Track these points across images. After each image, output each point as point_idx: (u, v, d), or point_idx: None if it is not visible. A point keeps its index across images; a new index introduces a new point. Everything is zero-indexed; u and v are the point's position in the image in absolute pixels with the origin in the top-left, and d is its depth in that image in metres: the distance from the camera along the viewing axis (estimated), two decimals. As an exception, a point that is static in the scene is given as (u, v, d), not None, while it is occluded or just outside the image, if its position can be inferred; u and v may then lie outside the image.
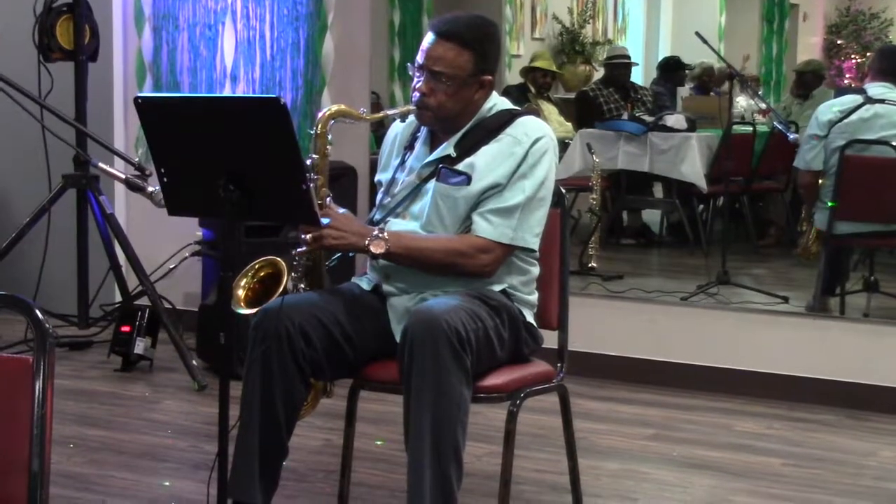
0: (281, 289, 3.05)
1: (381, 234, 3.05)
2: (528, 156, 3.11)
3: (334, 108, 3.14)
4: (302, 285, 3.15)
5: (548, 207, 3.17)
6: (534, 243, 3.14)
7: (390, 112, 3.25)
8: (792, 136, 6.25)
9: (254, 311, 3.05)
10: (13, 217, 5.94)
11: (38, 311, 1.94)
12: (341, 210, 3.09)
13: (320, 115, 3.11)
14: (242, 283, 3.11)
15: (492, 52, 3.17)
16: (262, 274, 3.15)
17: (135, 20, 5.88)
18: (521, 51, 8.96)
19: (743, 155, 6.94)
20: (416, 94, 3.13)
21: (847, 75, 9.57)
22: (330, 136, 3.11)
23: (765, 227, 7.51)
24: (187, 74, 5.82)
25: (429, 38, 3.13)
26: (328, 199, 3.07)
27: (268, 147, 2.78)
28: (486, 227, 3.09)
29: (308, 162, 2.99)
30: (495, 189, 3.10)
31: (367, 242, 3.04)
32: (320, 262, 3.19)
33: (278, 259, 3.17)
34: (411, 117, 3.25)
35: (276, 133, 2.74)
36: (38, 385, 1.90)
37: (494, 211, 3.09)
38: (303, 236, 3.05)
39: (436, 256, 3.09)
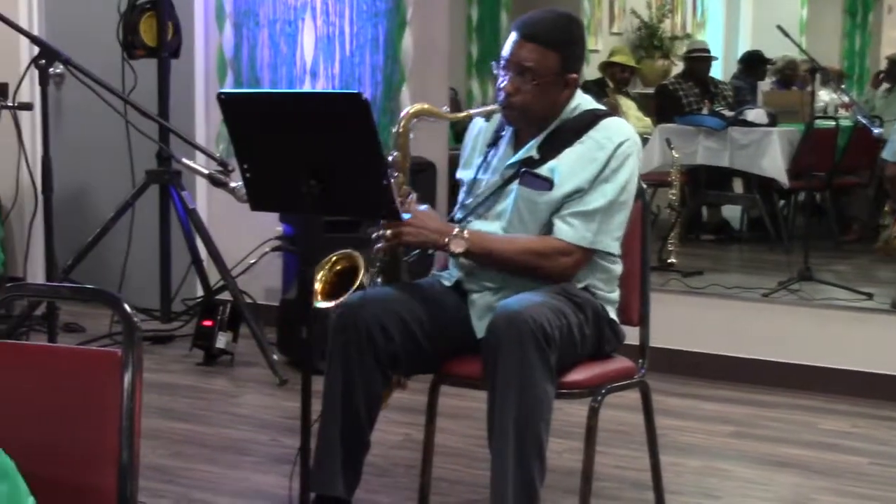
0: (357, 283, 3.07)
1: (461, 234, 3.05)
2: (611, 160, 3.08)
3: (417, 106, 3.15)
4: (379, 279, 3.15)
5: (629, 211, 3.14)
6: (614, 247, 3.12)
7: (474, 111, 3.24)
8: (877, 131, 6.16)
9: (330, 304, 3.06)
10: (98, 212, 6.02)
11: (126, 306, 1.96)
12: (423, 207, 3.09)
13: (403, 113, 3.12)
14: (319, 276, 3.13)
15: (577, 53, 3.15)
16: (338, 267, 3.16)
17: (216, 17, 5.93)
18: (600, 46, 8.92)
19: (825, 150, 6.85)
20: (502, 94, 3.12)
21: (933, 69, 9.39)
22: (412, 135, 3.11)
23: (848, 223, 7.41)
24: (267, 70, 5.86)
25: (513, 38, 3.11)
26: (410, 196, 3.07)
27: (349, 142, 2.78)
28: (567, 230, 3.07)
29: (389, 159, 3.00)
30: (577, 194, 3.08)
31: (446, 241, 3.04)
32: (399, 258, 3.19)
33: (355, 252, 3.18)
34: (494, 119, 3.27)
35: (357, 128, 2.74)
36: (127, 378, 1.92)
37: (575, 214, 3.07)
38: (382, 232, 3.05)
39: (516, 258, 3.08)
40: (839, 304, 5.17)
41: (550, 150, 3.12)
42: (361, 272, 3.12)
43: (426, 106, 3.15)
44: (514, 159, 3.17)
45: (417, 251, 3.24)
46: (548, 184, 3.09)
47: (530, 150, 3.14)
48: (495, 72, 3.15)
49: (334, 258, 3.19)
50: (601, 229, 3.08)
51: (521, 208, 3.12)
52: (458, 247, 3.04)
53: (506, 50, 3.11)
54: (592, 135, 3.11)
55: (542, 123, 3.15)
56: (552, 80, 3.09)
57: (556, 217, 3.09)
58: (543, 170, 3.11)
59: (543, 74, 3.07)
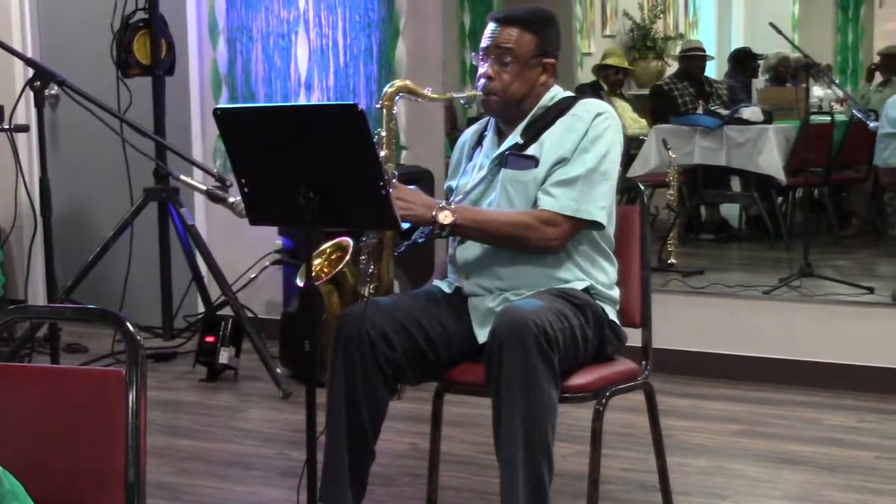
0: (346, 259, 3.10)
1: (448, 206, 3.07)
2: (590, 130, 3.13)
3: (399, 83, 3.19)
4: (371, 269, 3.15)
5: (613, 184, 3.15)
6: (600, 216, 3.11)
7: (457, 95, 3.30)
8: (872, 124, 6.17)
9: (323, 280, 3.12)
10: (97, 231, 6.02)
11: (129, 325, 1.96)
12: (410, 187, 3.11)
13: (386, 89, 3.15)
14: (316, 262, 3.15)
15: (552, 36, 3.23)
16: (333, 257, 3.19)
17: (209, 33, 5.94)
18: (593, 48, 8.93)
19: (822, 145, 6.85)
20: (482, 81, 3.17)
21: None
22: (395, 110, 3.15)
23: (847, 218, 7.41)
24: (262, 85, 5.87)
25: (491, 26, 3.19)
26: (394, 174, 3.08)
27: (346, 153, 2.79)
28: (549, 200, 3.10)
29: (374, 138, 3.00)
30: (560, 164, 3.11)
31: (434, 214, 3.05)
32: (388, 244, 3.19)
33: (346, 240, 3.20)
34: (475, 126, 3.35)
35: (354, 139, 2.75)
36: (132, 396, 1.92)
37: (556, 184, 3.11)
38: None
39: (502, 229, 3.10)
40: (841, 300, 5.17)
41: (533, 133, 3.17)
42: (349, 254, 3.14)
43: (408, 83, 3.19)
44: (499, 150, 3.21)
45: (407, 243, 3.24)
46: (532, 162, 3.14)
47: (514, 137, 3.19)
48: (475, 62, 3.20)
49: (328, 249, 3.22)
50: (584, 198, 3.09)
51: (508, 190, 3.15)
52: (445, 218, 3.04)
53: (484, 40, 3.19)
54: (572, 112, 3.18)
55: (523, 113, 3.19)
56: (530, 62, 3.16)
57: (539, 191, 3.12)
58: (529, 151, 3.16)
59: (522, 55, 3.15)
